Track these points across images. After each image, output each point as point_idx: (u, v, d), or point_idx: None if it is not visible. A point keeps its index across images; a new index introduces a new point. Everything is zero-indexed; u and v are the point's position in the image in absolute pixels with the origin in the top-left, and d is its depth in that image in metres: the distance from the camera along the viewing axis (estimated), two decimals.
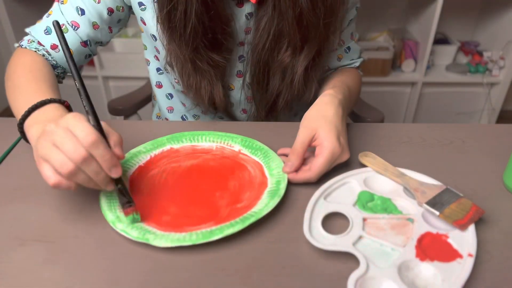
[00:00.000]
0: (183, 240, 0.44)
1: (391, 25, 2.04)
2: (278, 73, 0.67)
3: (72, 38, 0.66)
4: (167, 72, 0.74)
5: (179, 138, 0.62)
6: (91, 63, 1.88)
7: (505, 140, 0.65)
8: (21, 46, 0.66)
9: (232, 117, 0.79)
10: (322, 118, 0.57)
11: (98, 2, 0.65)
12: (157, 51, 0.72)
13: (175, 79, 0.73)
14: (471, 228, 0.45)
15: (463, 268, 0.41)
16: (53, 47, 0.66)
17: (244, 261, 0.44)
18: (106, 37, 0.70)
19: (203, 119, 0.82)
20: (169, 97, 0.81)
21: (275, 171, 0.55)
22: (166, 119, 0.85)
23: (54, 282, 0.41)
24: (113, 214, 0.48)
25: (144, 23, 0.68)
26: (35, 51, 0.65)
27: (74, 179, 0.43)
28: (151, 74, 0.79)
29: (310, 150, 0.56)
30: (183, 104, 0.81)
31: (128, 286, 0.41)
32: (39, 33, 0.66)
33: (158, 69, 0.77)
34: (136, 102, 1.00)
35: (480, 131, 0.67)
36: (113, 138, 0.47)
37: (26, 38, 0.68)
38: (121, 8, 0.68)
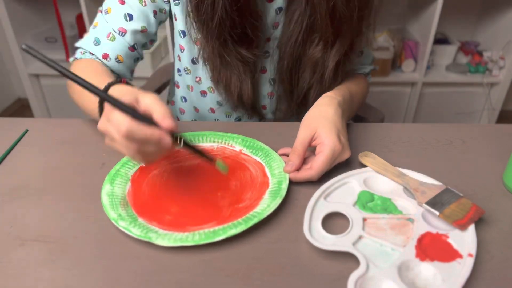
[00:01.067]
0: (185, 240, 0.44)
1: (391, 25, 2.04)
2: (309, 67, 0.68)
3: (121, 45, 0.67)
4: (198, 64, 0.74)
5: None
6: None
7: (505, 140, 0.65)
8: (76, 58, 0.69)
9: (257, 114, 0.78)
10: (322, 118, 0.57)
11: (145, 5, 0.67)
12: (181, 49, 0.73)
13: (196, 77, 0.74)
14: (471, 228, 0.45)
15: (463, 268, 0.41)
16: (104, 56, 0.67)
17: (244, 261, 0.44)
18: (152, 38, 0.72)
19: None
20: (183, 100, 0.81)
21: (276, 171, 0.55)
22: (177, 118, 0.86)
23: (54, 282, 0.41)
24: (115, 212, 0.48)
25: (175, 18, 0.70)
26: (91, 59, 0.67)
27: (149, 158, 0.45)
28: (175, 71, 0.81)
29: (311, 149, 0.56)
30: (196, 110, 0.81)
31: (128, 286, 0.41)
32: (89, 45, 0.68)
33: (178, 70, 0.78)
34: None
35: (480, 131, 0.67)
36: (155, 114, 0.44)
37: (77, 51, 0.70)
38: (163, 10, 0.70)
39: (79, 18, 1.80)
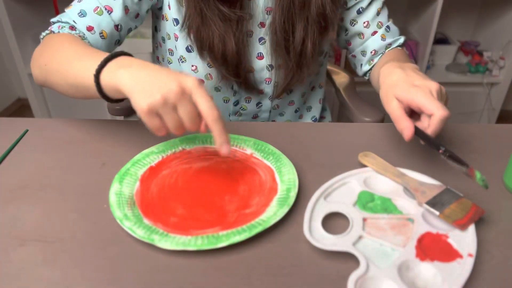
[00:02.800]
0: (188, 244, 0.44)
1: None
2: (304, 14, 0.68)
3: (107, 22, 0.66)
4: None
5: (192, 140, 0.62)
6: None
7: (505, 140, 0.65)
8: (52, 32, 0.65)
9: (253, 91, 0.79)
10: (395, 87, 0.55)
11: None
12: (176, 38, 0.74)
13: (192, 65, 0.75)
14: (471, 228, 0.45)
15: (463, 268, 0.41)
16: (89, 28, 0.65)
17: (244, 261, 0.44)
18: (133, 23, 0.72)
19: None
20: None
21: (286, 177, 0.54)
22: None
23: (54, 282, 0.41)
24: (121, 212, 0.48)
25: (169, 7, 0.71)
26: (69, 34, 0.64)
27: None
28: (172, 67, 0.81)
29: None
30: None
31: (128, 286, 0.41)
32: (73, 16, 0.66)
33: (168, 61, 0.79)
34: None
35: (480, 131, 0.67)
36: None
37: (54, 26, 0.67)
38: None
39: None
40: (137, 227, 0.46)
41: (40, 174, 0.57)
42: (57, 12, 1.81)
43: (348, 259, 0.43)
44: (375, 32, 0.79)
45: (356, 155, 0.59)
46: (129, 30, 0.72)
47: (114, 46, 0.72)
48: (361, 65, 0.84)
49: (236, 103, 0.81)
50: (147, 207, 0.50)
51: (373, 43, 0.79)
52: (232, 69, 0.72)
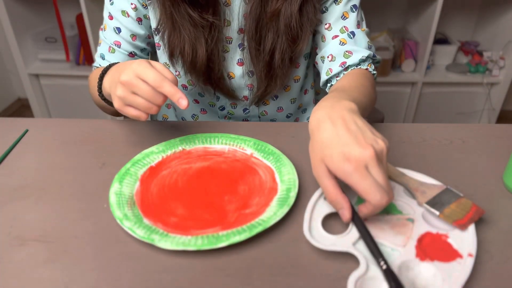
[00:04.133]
0: (188, 244, 0.44)
1: (391, 25, 2.04)
2: (273, 24, 0.68)
3: (120, 55, 0.75)
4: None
5: (192, 140, 0.62)
6: (91, 63, 1.88)
7: (505, 140, 0.65)
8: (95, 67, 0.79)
9: (232, 98, 0.79)
10: (325, 149, 0.45)
11: (128, 16, 0.72)
12: (158, 47, 0.76)
13: (176, 71, 0.76)
14: (471, 228, 0.45)
15: (463, 268, 0.41)
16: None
17: (244, 261, 0.44)
18: (146, 42, 0.77)
19: (204, 118, 0.83)
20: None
21: (286, 177, 0.54)
22: (164, 116, 0.88)
23: (54, 282, 0.41)
24: (121, 212, 0.48)
25: (148, 18, 0.73)
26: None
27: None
28: None
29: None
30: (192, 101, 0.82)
31: (128, 286, 0.41)
32: (98, 61, 0.77)
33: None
34: None
35: (480, 131, 0.67)
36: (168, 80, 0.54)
37: (94, 65, 0.79)
38: (146, 16, 0.73)
39: (79, 18, 1.80)
40: (137, 227, 0.46)
41: (40, 174, 0.57)
42: (57, 12, 1.81)
43: (348, 259, 0.43)
44: (335, 36, 0.71)
45: None
46: (144, 49, 0.78)
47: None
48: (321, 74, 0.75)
49: (222, 108, 0.81)
50: (147, 207, 0.50)
51: (332, 47, 0.71)
52: (203, 76, 0.72)
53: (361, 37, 0.72)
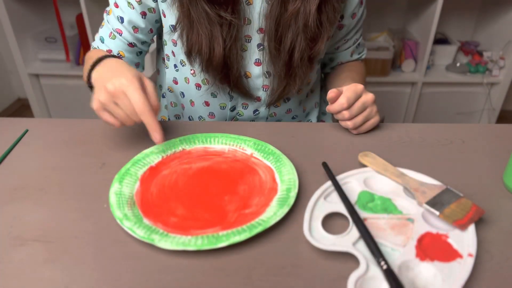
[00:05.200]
0: (188, 244, 0.44)
1: (391, 25, 2.04)
2: (292, 23, 0.68)
3: (120, 42, 0.75)
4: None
5: (192, 140, 0.62)
6: None
7: (505, 140, 0.65)
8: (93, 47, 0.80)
9: (248, 96, 0.79)
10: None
11: (133, 9, 0.72)
12: (174, 44, 0.75)
13: (191, 70, 0.76)
14: (471, 228, 0.45)
15: (463, 268, 0.41)
16: (109, 51, 0.76)
17: (244, 261, 0.44)
18: (149, 37, 0.78)
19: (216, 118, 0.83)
20: (182, 95, 0.83)
21: (286, 177, 0.54)
22: (177, 116, 0.89)
23: (54, 282, 0.41)
24: (121, 212, 0.48)
25: (164, 15, 0.72)
26: (100, 49, 0.77)
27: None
28: (168, 72, 0.82)
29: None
30: (192, 103, 0.82)
31: (128, 286, 0.41)
32: (97, 43, 0.78)
33: (175, 65, 0.80)
34: None
35: (480, 131, 0.67)
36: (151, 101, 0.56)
37: (93, 44, 0.80)
38: (152, 9, 0.73)
39: (79, 18, 1.80)
40: (137, 227, 0.46)
41: (40, 174, 0.57)
42: (57, 12, 1.81)
43: (348, 259, 0.43)
44: (348, 47, 0.85)
45: (356, 155, 0.59)
46: (144, 42, 0.78)
47: (137, 57, 0.80)
48: (324, 66, 0.92)
49: (233, 109, 0.80)
50: (147, 207, 0.50)
51: (343, 56, 0.86)
52: (221, 74, 0.72)
53: (362, 43, 0.87)
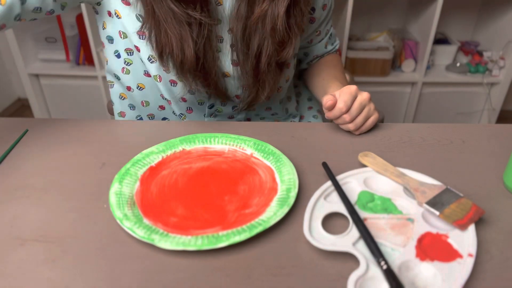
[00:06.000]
0: (188, 244, 0.44)
1: (391, 25, 2.04)
2: (259, 26, 0.66)
3: None
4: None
5: (192, 140, 0.62)
6: (91, 63, 1.88)
7: (505, 140, 0.65)
8: None
9: (225, 97, 0.77)
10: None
11: None
12: (142, 36, 0.70)
13: (150, 55, 0.71)
14: (471, 228, 0.45)
15: (463, 268, 0.41)
16: None
17: (244, 261, 0.44)
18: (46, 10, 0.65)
19: (191, 118, 0.81)
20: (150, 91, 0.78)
21: (286, 177, 0.54)
22: (150, 115, 0.84)
23: (54, 282, 0.41)
24: (121, 212, 0.48)
25: (129, 4, 0.68)
26: None
27: None
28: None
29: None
30: (168, 102, 0.78)
31: (128, 286, 0.41)
32: None
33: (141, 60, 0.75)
34: None
35: (480, 131, 0.67)
36: None
37: None
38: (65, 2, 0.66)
39: (79, 18, 1.80)
40: (137, 227, 0.46)
41: (40, 174, 0.57)
42: None
43: (348, 259, 0.43)
44: (321, 39, 0.85)
45: (356, 155, 0.59)
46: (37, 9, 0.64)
47: (13, 21, 0.62)
48: (300, 62, 0.91)
49: (211, 106, 0.79)
50: (147, 207, 0.50)
51: (318, 49, 0.86)
52: (199, 78, 0.69)
53: (333, 34, 0.89)
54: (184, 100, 0.77)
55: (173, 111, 0.81)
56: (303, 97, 0.97)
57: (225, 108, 0.80)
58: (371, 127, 0.67)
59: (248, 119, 0.85)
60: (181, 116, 0.81)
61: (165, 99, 0.78)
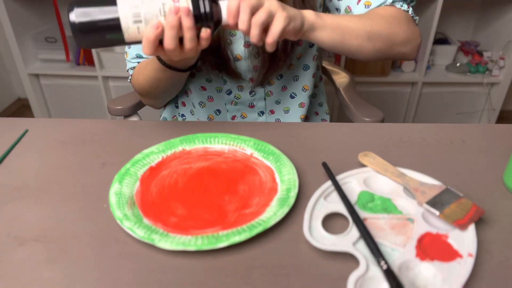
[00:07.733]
0: (188, 244, 0.44)
1: None
2: None
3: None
4: None
5: (192, 140, 0.62)
6: (91, 63, 1.88)
7: (505, 140, 0.65)
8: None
9: (239, 80, 0.80)
10: None
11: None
12: None
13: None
14: (471, 228, 0.45)
15: (463, 268, 0.41)
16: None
17: (244, 261, 0.44)
18: None
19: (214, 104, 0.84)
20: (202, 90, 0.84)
21: (286, 177, 0.54)
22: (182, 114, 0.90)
23: (54, 282, 0.41)
24: (121, 212, 0.48)
25: None
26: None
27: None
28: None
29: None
30: (189, 91, 0.84)
31: (128, 286, 0.41)
32: (135, 62, 0.79)
33: None
34: (136, 102, 1.00)
35: (480, 131, 0.67)
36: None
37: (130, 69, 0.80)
38: None
39: None
40: (137, 227, 0.46)
41: (40, 174, 0.57)
42: (57, 12, 1.81)
43: (348, 259, 0.43)
44: (359, 1, 0.73)
45: (356, 155, 0.59)
46: None
47: None
48: None
49: (229, 92, 0.82)
50: (147, 207, 0.50)
51: (358, 11, 0.74)
52: (211, 60, 0.73)
53: None
54: (203, 88, 0.82)
55: (192, 103, 0.86)
56: (315, 101, 0.96)
57: (243, 94, 0.82)
58: (277, 32, 0.53)
59: (271, 111, 0.86)
60: (201, 104, 0.85)
61: (187, 89, 0.84)
